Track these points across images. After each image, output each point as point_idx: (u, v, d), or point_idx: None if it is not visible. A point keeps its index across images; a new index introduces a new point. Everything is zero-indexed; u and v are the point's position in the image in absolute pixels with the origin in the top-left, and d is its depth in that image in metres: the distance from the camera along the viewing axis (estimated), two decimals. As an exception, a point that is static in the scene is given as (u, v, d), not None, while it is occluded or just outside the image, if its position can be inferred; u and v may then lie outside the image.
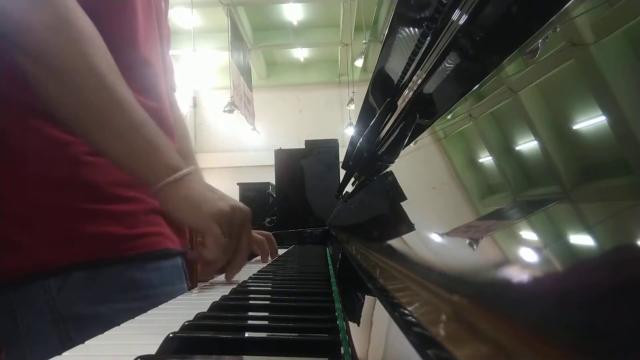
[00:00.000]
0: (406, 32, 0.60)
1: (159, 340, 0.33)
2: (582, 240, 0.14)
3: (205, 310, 0.45)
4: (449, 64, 0.46)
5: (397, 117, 0.64)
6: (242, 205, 0.71)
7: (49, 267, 0.62)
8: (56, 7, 0.58)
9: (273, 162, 2.63)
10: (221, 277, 0.73)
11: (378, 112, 0.74)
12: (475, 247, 0.20)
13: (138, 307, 0.45)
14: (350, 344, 0.32)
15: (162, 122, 0.77)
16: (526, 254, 0.16)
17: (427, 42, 0.50)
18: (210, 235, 0.64)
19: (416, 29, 0.55)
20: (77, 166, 0.64)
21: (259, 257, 0.99)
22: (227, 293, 0.55)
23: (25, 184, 0.63)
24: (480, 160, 0.32)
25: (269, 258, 0.97)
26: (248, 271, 0.82)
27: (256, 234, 0.93)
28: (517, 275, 0.15)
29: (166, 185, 0.62)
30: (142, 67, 0.73)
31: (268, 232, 0.99)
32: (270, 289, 0.61)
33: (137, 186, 0.68)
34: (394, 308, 0.23)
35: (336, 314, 0.42)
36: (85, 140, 0.63)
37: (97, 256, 0.64)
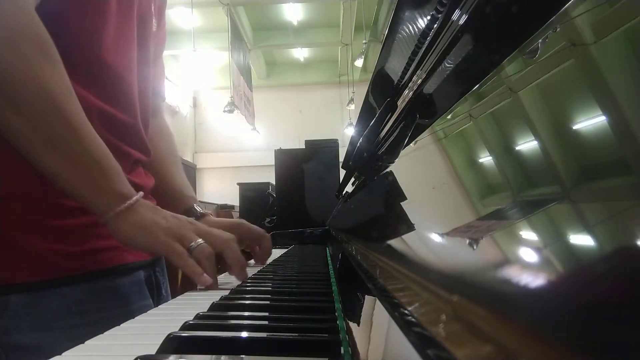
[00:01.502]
0: (406, 32, 0.60)
1: (159, 340, 0.33)
2: (582, 240, 0.14)
3: (205, 310, 0.45)
4: (449, 64, 0.46)
5: (397, 117, 0.64)
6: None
7: None
8: (15, 24, 0.54)
9: (273, 162, 2.63)
10: (223, 279, 0.72)
11: (378, 112, 0.74)
12: (475, 247, 0.20)
13: (85, 333, 0.40)
14: (351, 343, 0.32)
15: (133, 134, 0.74)
16: (526, 254, 0.16)
17: (427, 42, 0.50)
18: (174, 254, 0.61)
19: (416, 29, 0.55)
20: (17, 179, 0.60)
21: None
22: (227, 293, 0.55)
23: None
24: (480, 160, 0.32)
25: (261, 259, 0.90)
26: (249, 271, 0.82)
27: (250, 232, 0.87)
28: (517, 275, 0.15)
29: (117, 215, 0.60)
30: (108, 73, 0.68)
31: (262, 230, 0.90)
32: (270, 289, 0.61)
33: None
34: (394, 308, 0.23)
35: (336, 314, 0.42)
36: (33, 162, 0.58)
37: (38, 277, 0.59)
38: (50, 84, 0.56)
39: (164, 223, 0.63)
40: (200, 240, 0.63)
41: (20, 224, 0.60)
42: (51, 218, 0.62)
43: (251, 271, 0.81)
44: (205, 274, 0.62)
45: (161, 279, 0.81)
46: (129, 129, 0.73)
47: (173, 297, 0.67)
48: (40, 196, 0.61)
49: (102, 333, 0.42)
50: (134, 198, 0.61)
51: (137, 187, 0.67)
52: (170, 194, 0.87)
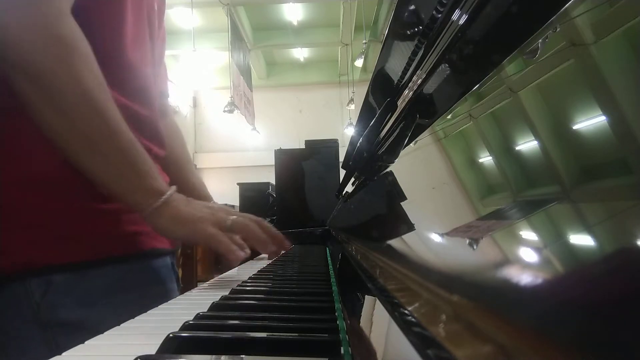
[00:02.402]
0: (406, 32, 0.60)
1: (159, 340, 0.33)
2: (582, 240, 0.14)
3: (205, 310, 0.45)
4: (449, 64, 0.46)
5: (397, 117, 0.64)
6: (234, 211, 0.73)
7: (30, 268, 0.60)
8: (50, 25, 0.56)
9: (273, 162, 2.63)
10: (224, 275, 0.73)
11: (378, 112, 0.74)
12: (475, 247, 0.20)
13: (126, 311, 0.44)
14: (350, 343, 0.32)
15: (152, 129, 0.77)
16: (526, 254, 0.16)
17: (427, 42, 0.50)
18: (210, 237, 0.66)
19: (416, 29, 0.55)
20: (59, 164, 0.62)
21: (262, 256, 0.98)
22: (227, 293, 0.55)
23: (5, 183, 0.61)
24: (480, 160, 0.32)
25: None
26: (249, 271, 0.82)
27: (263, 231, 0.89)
28: (517, 275, 0.15)
29: (154, 210, 0.63)
30: (130, 70, 0.71)
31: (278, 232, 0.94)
32: (270, 288, 0.61)
33: None
34: (394, 308, 0.23)
35: (336, 314, 0.42)
36: (74, 162, 0.61)
37: (81, 257, 0.62)
38: (90, 85, 0.58)
39: (198, 213, 0.67)
40: (233, 217, 0.69)
41: (60, 208, 0.62)
42: (89, 202, 0.64)
43: (252, 270, 0.81)
44: (238, 250, 0.67)
45: (176, 268, 0.83)
46: (149, 124, 0.76)
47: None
48: (78, 182, 0.63)
49: (143, 312, 0.44)
50: (168, 193, 0.65)
51: None
52: (187, 192, 0.89)
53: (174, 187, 0.67)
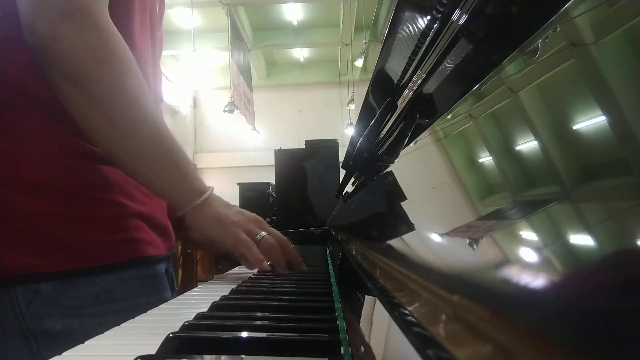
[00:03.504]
0: (406, 32, 0.60)
1: (159, 340, 0.33)
2: (582, 240, 0.14)
3: (205, 310, 0.45)
4: (449, 64, 0.46)
5: (397, 117, 0.64)
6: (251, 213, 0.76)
7: (16, 275, 0.59)
8: (103, 37, 0.58)
9: (273, 162, 2.63)
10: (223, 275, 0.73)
11: (378, 112, 0.74)
12: (475, 247, 0.20)
13: (113, 321, 0.43)
14: (349, 343, 0.32)
15: None
16: (526, 254, 0.16)
17: (427, 42, 0.50)
18: (241, 243, 0.69)
19: (416, 29, 0.55)
20: (52, 169, 0.62)
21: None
22: (227, 293, 0.55)
23: None
24: (480, 160, 0.32)
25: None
26: (249, 271, 0.82)
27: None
28: (517, 275, 0.15)
29: (195, 208, 0.67)
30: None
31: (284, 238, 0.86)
32: (270, 288, 0.61)
33: (114, 188, 0.66)
34: (394, 308, 0.23)
35: (336, 314, 0.42)
36: (120, 166, 0.64)
37: (68, 266, 0.61)
38: (136, 91, 0.61)
39: (233, 217, 0.71)
40: (264, 233, 0.73)
41: (50, 214, 0.62)
42: (80, 209, 0.64)
43: (252, 270, 0.81)
44: (265, 260, 0.71)
45: (174, 274, 0.83)
46: None
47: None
48: (70, 188, 0.63)
49: (130, 319, 0.43)
50: (208, 193, 0.69)
51: None
52: None
53: (212, 188, 0.70)
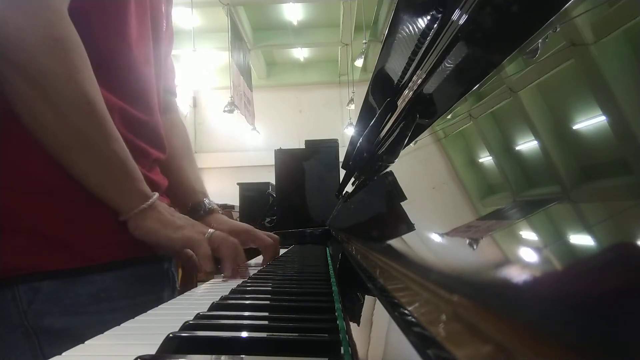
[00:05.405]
0: (406, 32, 0.60)
1: (159, 340, 0.33)
2: (582, 240, 0.14)
3: (205, 310, 0.45)
4: (449, 64, 0.46)
5: (397, 117, 0.64)
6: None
7: (19, 274, 0.59)
8: (53, 28, 0.56)
9: (273, 162, 2.63)
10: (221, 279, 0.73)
11: (378, 112, 0.74)
12: (475, 247, 0.20)
13: (113, 319, 0.42)
14: (351, 343, 0.32)
15: (151, 133, 0.76)
16: (526, 254, 0.16)
17: (427, 42, 0.50)
18: (191, 241, 0.67)
19: (416, 29, 0.55)
20: (53, 169, 0.62)
21: (259, 257, 0.99)
22: (227, 293, 0.55)
23: None
24: (480, 160, 0.32)
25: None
26: (249, 271, 0.82)
27: (264, 235, 0.90)
28: (517, 275, 0.15)
29: (140, 212, 0.64)
30: (130, 71, 0.71)
31: (275, 236, 0.93)
32: (270, 288, 0.61)
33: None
34: (394, 308, 0.23)
35: (336, 314, 0.42)
36: (62, 161, 0.61)
37: (68, 265, 0.61)
38: (87, 87, 0.59)
39: (179, 221, 0.69)
40: (212, 230, 0.70)
41: (50, 214, 0.62)
42: (80, 209, 0.64)
43: (252, 270, 0.81)
44: (212, 260, 0.68)
45: (175, 273, 0.83)
46: (149, 128, 0.75)
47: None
48: (69, 188, 0.63)
49: (130, 318, 0.43)
50: (154, 197, 0.66)
51: (156, 185, 0.72)
52: (182, 189, 0.90)
53: (156, 194, 0.68)
